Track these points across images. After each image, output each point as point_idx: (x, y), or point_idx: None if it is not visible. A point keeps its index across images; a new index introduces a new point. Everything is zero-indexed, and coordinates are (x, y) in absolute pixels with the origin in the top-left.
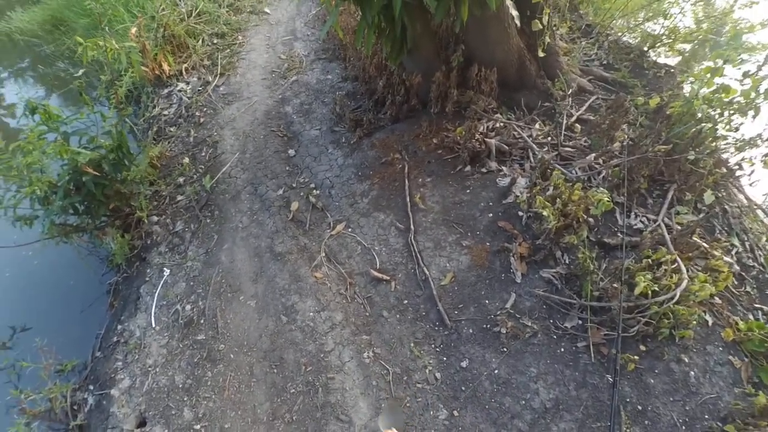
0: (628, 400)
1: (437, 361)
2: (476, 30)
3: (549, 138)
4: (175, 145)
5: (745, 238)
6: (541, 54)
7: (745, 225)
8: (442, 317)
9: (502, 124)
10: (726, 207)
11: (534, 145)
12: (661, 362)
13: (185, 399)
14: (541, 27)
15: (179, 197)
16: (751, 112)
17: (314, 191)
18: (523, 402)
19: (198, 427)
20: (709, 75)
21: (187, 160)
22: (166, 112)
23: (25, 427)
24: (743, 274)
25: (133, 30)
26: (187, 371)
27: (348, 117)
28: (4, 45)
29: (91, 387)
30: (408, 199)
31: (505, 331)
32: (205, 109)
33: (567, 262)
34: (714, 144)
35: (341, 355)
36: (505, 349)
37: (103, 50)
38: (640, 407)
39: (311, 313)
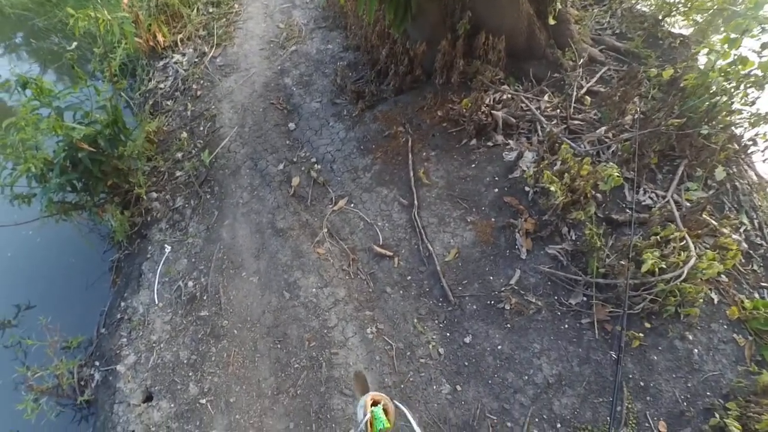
0: (630, 376)
1: (440, 337)
2: None
3: (558, 110)
4: (172, 119)
5: (754, 216)
6: (551, 22)
7: (755, 202)
8: (446, 293)
9: (509, 95)
10: (737, 184)
11: (542, 118)
12: (665, 339)
13: (190, 374)
14: None
15: (178, 173)
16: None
17: (315, 166)
18: (526, 377)
19: (203, 401)
20: (726, 46)
21: (185, 134)
22: (162, 85)
23: (34, 403)
24: (751, 252)
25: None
26: (192, 347)
27: (350, 89)
28: None
29: (97, 363)
30: (412, 174)
31: (509, 308)
32: (202, 81)
33: (573, 238)
34: (728, 118)
35: (344, 330)
36: (508, 325)
37: (95, 21)
38: (642, 383)
39: (314, 289)
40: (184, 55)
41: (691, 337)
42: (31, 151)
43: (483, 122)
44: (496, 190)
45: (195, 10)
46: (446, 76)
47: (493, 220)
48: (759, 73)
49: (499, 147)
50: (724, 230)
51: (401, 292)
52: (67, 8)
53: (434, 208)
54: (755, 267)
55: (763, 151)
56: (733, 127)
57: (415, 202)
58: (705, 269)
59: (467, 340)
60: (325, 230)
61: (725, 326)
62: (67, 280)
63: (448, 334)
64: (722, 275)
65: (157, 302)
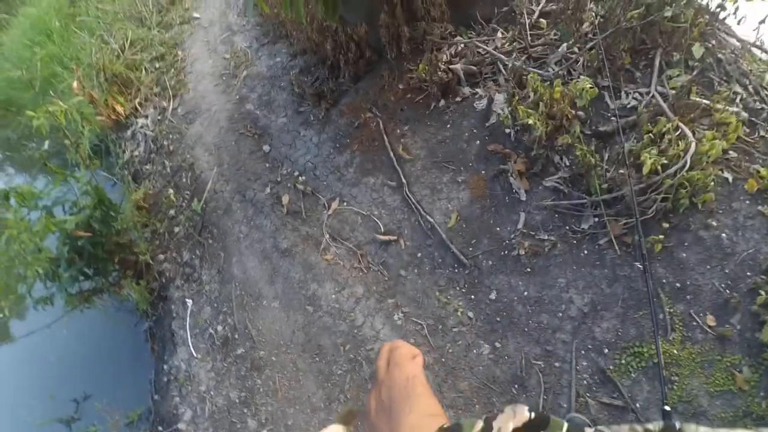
0: (664, 281)
1: (466, 301)
2: None
3: (515, 43)
4: (155, 180)
5: (747, 82)
6: None
7: (744, 68)
8: (459, 258)
9: (463, 45)
10: (719, 56)
11: (502, 56)
12: (689, 234)
13: (245, 411)
14: None
15: (176, 228)
16: None
17: (300, 178)
18: (560, 314)
19: (264, 431)
20: None
21: (171, 191)
22: (136, 153)
23: None
24: (753, 119)
25: (75, 84)
26: (239, 385)
27: (309, 93)
28: None
29: (160, 428)
30: (392, 154)
31: (523, 252)
32: (171, 136)
33: (567, 164)
34: None
35: (373, 324)
36: (528, 269)
37: (54, 115)
38: (678, 284)
39: (333, 295)
40: (146, 117)
41: (714, 224)
42: (34, 255)
43: (445, 80)
44: (478, 142)
45: (143, 71)
46: (396, 48)
47: (483, 172)
48: None
49: (468, 99)
50: (718, 106)
51: (415, 271)
52: (27, 112)
53: (423, 180)
54: (762, 133)
55: (734, 14)
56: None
57: (403, 180)
58: (708, 151)
59: (492, 296)
60: (327, 236)
61: (747, 202)
62: (111, 363)
63: (472, 297)
64: (729, 152)
65: (195, 355)
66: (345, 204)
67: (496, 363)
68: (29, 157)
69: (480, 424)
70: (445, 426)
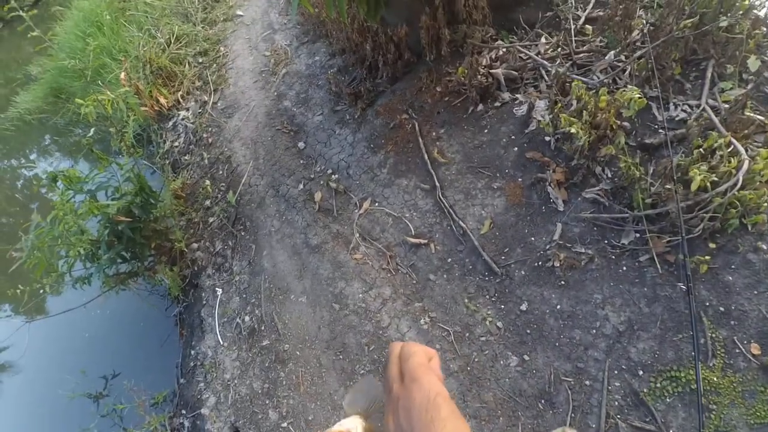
0: (707, 304)
1: (495, 311)
2: None
3: (559, 49)
4: (193, 171)
5: None
6: None
7: None
8: (490, 266)
9: (505, 50)
10: None
11: (545, 62)
12: (736, 256)
13: (267, 402)
14: None
15: (210, 219)
16: None
17: (333, 176)
18: (594, 331)
19: (285, 425)
20: None
21: (207, 182)
22: (176, 144)
23: None
24: None
25: (122, 75)
26: (262, 376)
27: (346, 92)
28: (20, 129)
29: (184, 411)
30: (426, 157)
31: (558, 264)
32: (210, 129)
33: (610, 175)
34: (746, 2)
35: (399, 327)
36: (563, 282)
37: (102, 104)
38: (722, 308)
39: (360, 295)
40: (188, 109)
41: (765, 247)
42: (77, 236)
43: (484, 84)
44: (516, 148)
45: (186, 65)
46: (436, 50)
47: (520, 180)
48: None
49: (508, 104)
50: None
51: (445, 276)
52: (76, 99)
53: (457, 184)
54: None
55: None
56: (754, 10)
57: (437, 183)
58: (762, 170)
59: (523, 307)
60: (357, 235)
61: None
62: (141, 344)
63: (502, 306)
64: None
65: (222, 343)
66: (377, 204)
67: (523, 376)
68: (75, 143)
69: None
70: None
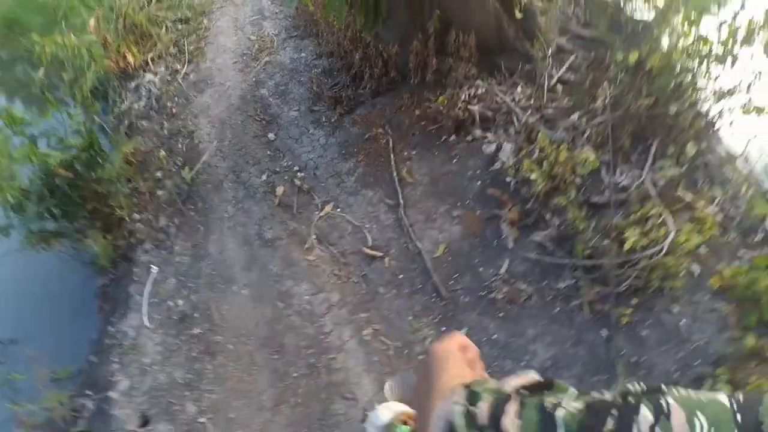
0: (623, 353)
1: (437, 332)
2: None
3: (532, 101)
4: (149, 138)
5: (727, 189)
6: (518, 15)
7: (726, 175)
8: (438, 288)
9: (483, 90)
10: (708, 158)
11: (517, 109)
12: (652, 314)
13: (187, 394)
14: None
15: (159, 192)
16: (729, 61)
17: (299, 174)
18: (523, 363)
19: (203, 420)
20: (686, 26)
21: (163, 153)
22: (136, 106)
23: None
24: (726, 223)
25: (92, 22)
26: (187, 366)
27: (326, 95)
28: None
29: (89, 392)
30: (395, 174)
31: (501, 297)
32: (176, 98)
33: (557, 223)
34: (694, 96)
35: (341, 334)
36: (501, 314)
37: (63, 47)
38: (635, 358)
39: (307, 297)
40: (156, 74)
41: (676, 310)
42: (8, 181)
43: (460, 118)
44: (479, 183)
45: (164, 29)
46: (421, 75)
47: (478, 212)
48: (719, 50)
49: (478, 141)
50: (699, 204)
51: (394, 291)
52: (33, 35)
53: (420, 205)
54: (731, 237)
55: (729, 125)
56: (699, 104)
57: (401, 201)
58: (684, 242)
59: (463, 332)
60: (314, 237)
61: (708, 296)
62: (52, 311)
63: (443, 329)
64: (702, 247)
65: (147, 324)
66: (339, 210)
67: None
68: (17, 81)
69: (493, 381)
70: (466, 383)
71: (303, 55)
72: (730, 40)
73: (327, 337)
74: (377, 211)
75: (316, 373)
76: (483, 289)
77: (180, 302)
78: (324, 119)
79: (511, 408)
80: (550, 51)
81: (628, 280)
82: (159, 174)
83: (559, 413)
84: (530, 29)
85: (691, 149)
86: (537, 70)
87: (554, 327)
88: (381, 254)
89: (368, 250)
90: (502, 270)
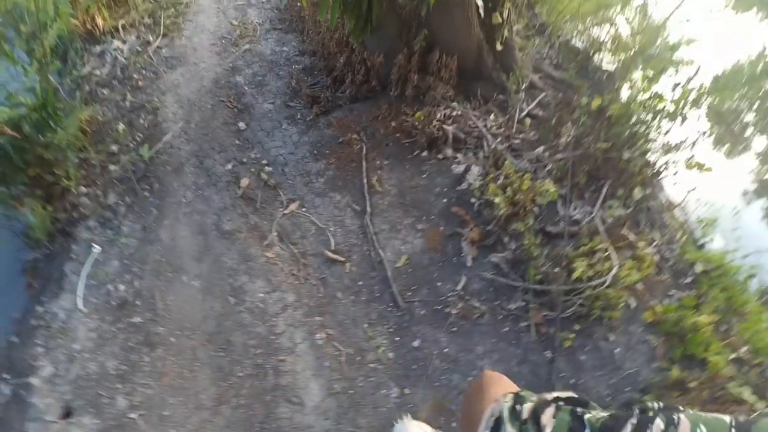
0: (562, 375)
1: (390, 342)
2: (441, 15)
3: (502, 129)
4: (108, 109)
5: (665, 233)
6: (498, 47)
7: (665, 221)
8: (396, 298)
9: (459, 112)
10: (650, 204)
11: (489, 135)
12: (591, 340)
13: (119, 386)
14: (500, 20)
15: (112, 167)
16: (679, 119)
17: (266, 168)
18: (470, 378)
19: (134, 415)
20: (645, 83)
21: (122, 126)
22: (98, 72)
23: None
24: (661, 264)
25: None
26: (121, 357)
27: (305, 92)
28: None
29: (6, 376)
30: (365, 181)
31: (455, 312)
32: (144, 71)
33: (513, 247)
34: (646, 146)
35: (293, 336)
36: (454, 329)
37: None
38: (572, 381)
39: (261, 294)
40: (125, 42)
41: (612, 339)
42: None
43: (434, 135)
44: (445, 200)
45: None
46: (401, 88)
47: (441, 228)
48: (671, 108)
49: (449, 160)
50: (640, 244)
51: (352, 297)
52: None
53: (386, 215)
54: (665, 277)
55: (673, 176)
56: (649, 154)
57: (368, 208)
58: (625, 277)
59: (416, 344)
60: (275, 234)
61: (641, 329)
62: None
63: (397, 339)
64: (639, 283)
65: (81, 308)
66: (304, 209)
67: (399, 408)
68: None
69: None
70: (514, 391)
71: (285, 49)
72: (682, 101)
73: (278, 338)
74: (343, 215)
75: (262, 374)
76: (439, 303)
77: (121, 287)
78: (299, 116)
79: (549, 410)
80: (523, 85)
81: (573, 307)
82: (114, 148)
83: (587, 416)
84: (508, 62)
85: (637, 193)
86: (509, 102)
87: (502, 345)
88: (343, 259)
89: (330, 254)
90: (459, 286)
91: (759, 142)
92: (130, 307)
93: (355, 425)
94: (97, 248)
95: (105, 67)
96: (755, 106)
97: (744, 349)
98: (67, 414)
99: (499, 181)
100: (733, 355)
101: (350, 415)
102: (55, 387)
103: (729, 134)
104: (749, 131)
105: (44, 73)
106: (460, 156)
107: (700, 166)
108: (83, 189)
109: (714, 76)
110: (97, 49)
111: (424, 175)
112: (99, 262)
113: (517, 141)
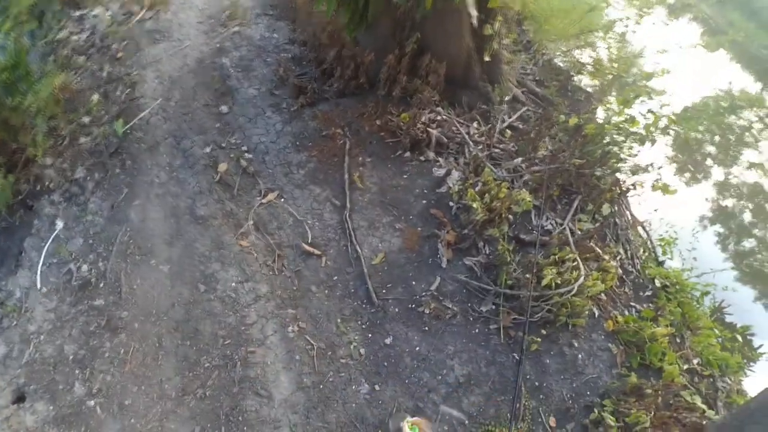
0: (528, 377)
1: (362, 338)
2: (434, 21)
3: (484, 138)
4: (83, 78)
5: (628, 248)
6: (486, 58)
7: (629, 237)
8: (371, 295)
9: (443, 117)
10: (617, 220)
11: (470, 142)
12: (556, 345)
13: (76, 372)
14: (491, 32)
15: (83, 139)
16: (648, 144)
17: (246, 154)
18: (440, 377)
19: (92, 403)
20: (621, 106)
21: (96, 97)
22: (75, 38)
23: None
24: (624, 277)
25: None
26: (81, 341)
27: (292, 82)
28: None
29: None
30: (347, 176)
31: (428, 312)
32: (125, 42)
33: (487, 252)
34: (616, 165)
35: (264, 328)
36: (426, 328)
37: None
38: (537, 383)
39: (234, 284)
40: (107, 9)
41: (576, 345)
42: None
43: (418, 137)
44: (424, 201)
45: None
46: (389, 88)
47: (419, 229)
48: (643, 132)
49: (430, 162)
50: (606, 257)
51: (326, 291)
52: None
53: (366, 212)
54: (626, 289)
55: (639, 195)
56: (618, 173)
57: (348, 204)
58: (590, 287)
59: (388, 341)
60: (251, 222)
61: (603, 337)
62: None
63: (369, 335)
64: (603, 294)
65: (39, 286)
66: (282, 200)
67: (369, 404)
68: None
69: None
70: None
71: (275, 36)
72: (653, 126)
73: (249, 329)
74: (322, 209)
75: (231, 365)
76: (413, 302)
77: (84, 267)
78: (284, 105)
79: None
80: (507, 98)
81: (541, 312)
82: (87, 119)
83: None
84: (494, 74)
85: (606, 209)
86: (492, 112)
87: (472, 346)
88: (319, 253)
89: (307, 247)
90: (433, 287)
91: (717, 173)
92: (93, 289)
93: (323, 420)
94: (60, 223)
95: (83, 33)
96: (716, 140)
97: (696, 361)
98: (20, 399)
99: (478, 188)
100: (686, 366)
101: (319, 410)
102: (7, 370)
103: (692, 162)
104: (709, 161)
105: (18, 32)
106: (441, 160)
107: (665, 189)
108: (49, 160)
109: (683, 107)
110: (77, 13)
111: (405, 176)
112: (61, 239)
113: (497, 150)
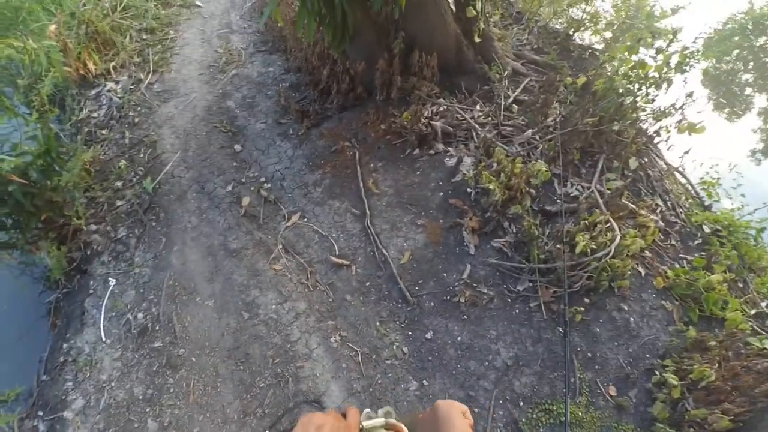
0: (578, 349)
1: (403, 337)
2: (415, 16)
3: (489, 118)
4: (108, 148)
5: (667, 198)
6: (477, 40)
7: (666, 186)
8: (404, 294)
9: (445, 107)
10: (649, 172)
11: (477, 126)
12: (604, 312)
13: (147, 410)
14: (475, 13)
15: (119, 202)
16: (664, 85)
17: (265, 185)
18: (486, 363)
19: None
20: (626, 53)
21: (123, 162)
22: (95, 114)
23: None
24: (668, 229)
25: (53, 27)
26: (147, 381)
27: (294, 108)
28: None
29: (41, 413)
30: (361, 185)
31: (464, 300)
32: (139, 108)
33: (514, 231)
34: (634, 115)
35: (308, 342)
36: (465, 317)
37: (20, 50)
38: (590, 354)
39: (273, 306)
40: (117, 82)
41: (626, 308)
42: None
43: (423, 133)
44: (441, 193)
45: (128, 37)
46: (386, 92)
47: (441, 221)
48: (656, 74)
49: (440, 154)
50: (642, 212)
51: (361, 298)
52: None
53: (386, 215)
54: (673, 242)
55: (666, 141)
56: (639, 123)
57: (367, 211)
58: (629, 246)
59: (428, 336)
60: (280, 246)
61: (654, 295)
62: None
63: (410, 333)
64: (645, 251)
65: (104, 339)
66: (305, 220)
67: (420, 400)
68: None
69: None
70: None
71: (271, 69)
72: (664, 66)
73: (294, 345)
74: (344, 220)
75: (283, 382)
76: (447, 294)
77: (140, 315)
78: (291, 132)
79: None
80: (505, 73)
81: (581, 281)
82: (119, 184)
83: None
84: (487, 53)
85: (633, 163)
86: (494, 91)
87: (515, 327)
88: (347, 262)
89: (335, 259)
90: (465, 275)
91: (760, 100)
92: (150, 333)
93: None
94: (112, 281)
95: (101, 108)
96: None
97: (764, 303)
98: None
99: (492, 168)
100: (753, 311)
101: None
102: (88, 418)
103: (729, 96)
104: (749, 90)
105: (44, 121)
106: (451, 149)
107: (692, 128)
108: (93, 226)
109: (707, 37)
110: (92, 92)
111: (418, 172)
112: (116, 294)
113: (505, 128)
